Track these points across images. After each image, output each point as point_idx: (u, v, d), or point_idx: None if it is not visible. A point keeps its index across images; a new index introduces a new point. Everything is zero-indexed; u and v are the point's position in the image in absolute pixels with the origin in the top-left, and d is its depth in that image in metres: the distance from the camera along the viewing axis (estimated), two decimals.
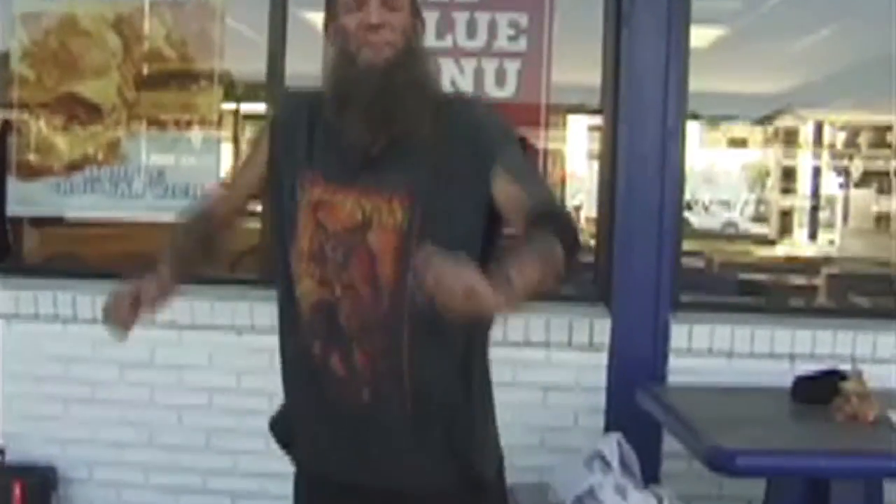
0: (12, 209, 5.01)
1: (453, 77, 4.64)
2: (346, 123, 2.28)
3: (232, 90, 5.16)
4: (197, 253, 2.47)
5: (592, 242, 4.78)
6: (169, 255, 2.41)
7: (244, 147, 6.73)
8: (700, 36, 4.66)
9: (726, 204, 7.66)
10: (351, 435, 2.36)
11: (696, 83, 4.55)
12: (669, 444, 4.04)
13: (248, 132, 5.83)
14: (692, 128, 4.67)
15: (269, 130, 2.46)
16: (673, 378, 4.32)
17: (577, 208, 7.24)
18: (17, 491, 4.44)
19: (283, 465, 4.48)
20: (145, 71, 4.96)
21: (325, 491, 2.50)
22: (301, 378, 2.41)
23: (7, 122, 5.03)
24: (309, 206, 2.31)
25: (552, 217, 2.16)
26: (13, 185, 5.00)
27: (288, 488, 4.43)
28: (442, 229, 2.22)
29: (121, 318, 2.32)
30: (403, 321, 2.25)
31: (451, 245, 1.95)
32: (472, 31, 4.64)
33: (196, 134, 4.93)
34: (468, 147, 2.28)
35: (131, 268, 2.42)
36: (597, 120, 4.76)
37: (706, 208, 7.13)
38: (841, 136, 7.64)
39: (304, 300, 2.33)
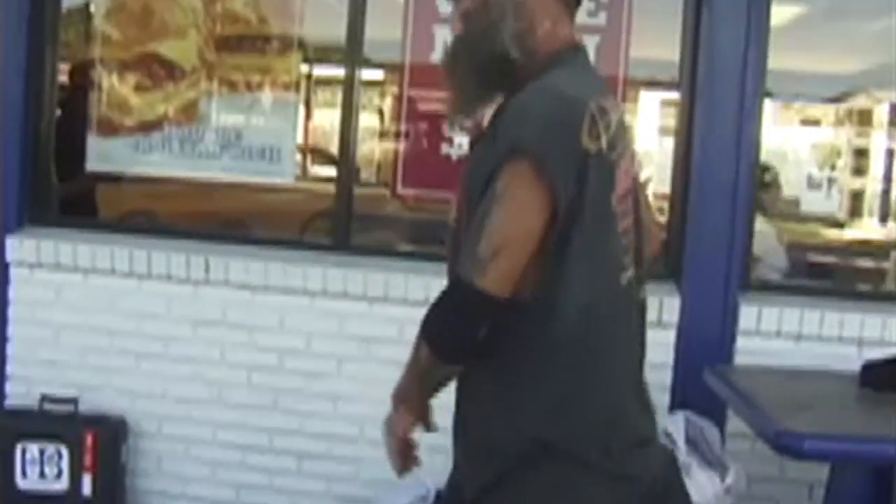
0: (91, 165, 5.10)
1: None
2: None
3: (310, 54, 5.21)
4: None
5: (664, 219, 4.79)
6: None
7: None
8: (776, 14, 4.63)
9: (795, 183, 7.61)
10: None
11: (770, 61, 4.53)
12: (733, 424, 4.07)
13: (324, 96, 5.89)
14: (767, 106, 4.66)
15: None
16: (740, 359, 4.34)
17: (646, 182, 7.23)
18: (88, 440, 4.56)
19: (348, 428, 4.56)
20: (225, 33, 5.03)
21: None
22: None
23: (88, 79, 5.12)
24: None
25: (435, 304, 2.20)
26: (93, 142, 5.08)
27: (353, 450, 4.54)
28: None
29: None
30: None
31: None
32: None
33: (273, 97, 5.00)
34: (490, 148, 2.17)
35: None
36: (672, 94, 4.76)
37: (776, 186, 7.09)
38: None
39: None
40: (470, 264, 2.08)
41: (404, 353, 4.24)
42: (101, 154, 5.08)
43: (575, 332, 2.14)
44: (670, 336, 4.38)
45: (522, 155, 2.05)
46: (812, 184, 7.54)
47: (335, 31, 4.84)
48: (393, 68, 5.00)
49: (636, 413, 2.28)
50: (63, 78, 5.26)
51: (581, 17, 4.56)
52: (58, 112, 5.14)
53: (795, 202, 7.27)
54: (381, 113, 6.63)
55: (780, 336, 4.35)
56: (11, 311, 4.83)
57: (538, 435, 2.17)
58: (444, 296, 2.17)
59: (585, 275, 2.12)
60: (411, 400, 2.39)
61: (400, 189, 5.03)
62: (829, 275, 6.05)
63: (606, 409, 2.19)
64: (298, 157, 5.62)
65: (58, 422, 4.63)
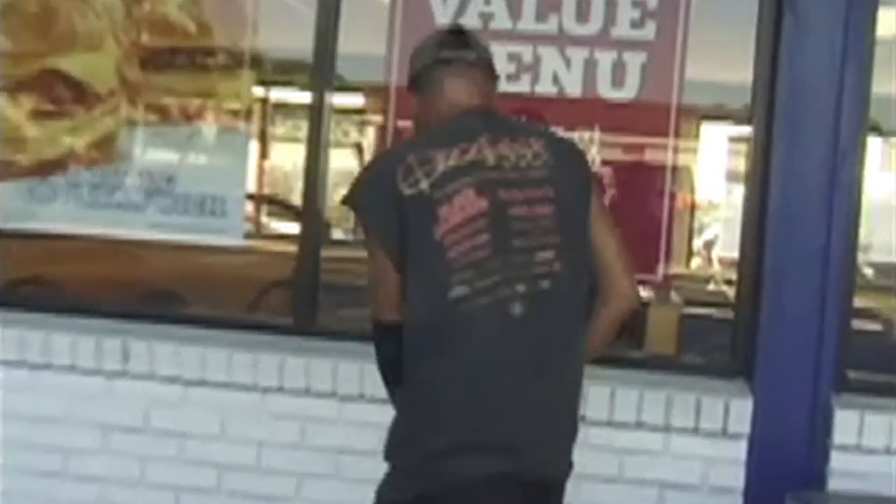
0: None
1: (556, 72, 4.68)
2: None
3: (266, 73, 5.25)
4: None
5: (731, 293, 4.79)
6: None
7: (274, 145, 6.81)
8: (884, 22, 4.63)
9: None
10: None
11: (877, 86, 4.54)
12: None
13: (284, 129, 5.89)
14: (872, 145, 4.66)
15: None
16: (835, 483, 4.29)
17: (709, 245, 7.25)
18: None
19: None
20: (153, 45, 5.06)
21: None
22: None
23: None
24: None
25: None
26: None
27: None
28: None
29: None
30: None
31: None
32: (583, 13, 4.69)
33: (217, 129, 5.03)
34: None
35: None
36: (742, 129, 4.77)
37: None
38: None
39: None
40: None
41: (384, 469, 4.22)
42: None
43: (412, 343, 3.09)
44: (740, 450, 4.34)
45: (355, 212, 3.26)
46: None
47: (300, 43, 4.88)
48: (375, 92, 5.03)
49: (472, 416, 3.01)
50: None
51: (623, 28, 4.70)
52: None
53: None
54: (359, 150, 6.65)
55: (889, 452, 4.31)
56: None
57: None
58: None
59: (416, 296, 3.06)
60: None
61: None
62: None
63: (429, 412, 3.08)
64: (249, 208, 5.65)
65: None
